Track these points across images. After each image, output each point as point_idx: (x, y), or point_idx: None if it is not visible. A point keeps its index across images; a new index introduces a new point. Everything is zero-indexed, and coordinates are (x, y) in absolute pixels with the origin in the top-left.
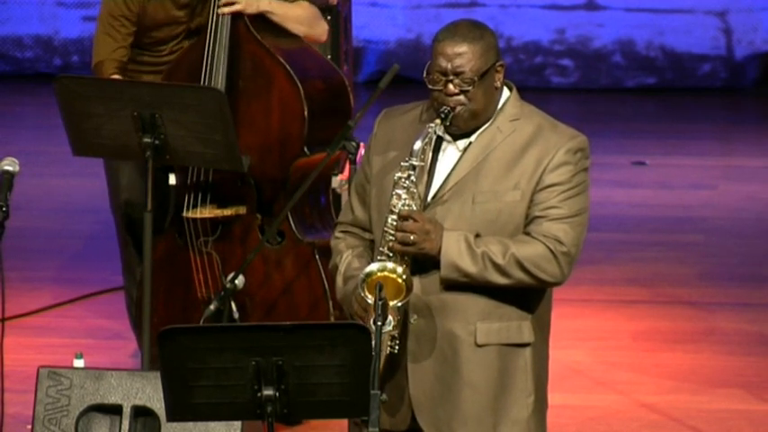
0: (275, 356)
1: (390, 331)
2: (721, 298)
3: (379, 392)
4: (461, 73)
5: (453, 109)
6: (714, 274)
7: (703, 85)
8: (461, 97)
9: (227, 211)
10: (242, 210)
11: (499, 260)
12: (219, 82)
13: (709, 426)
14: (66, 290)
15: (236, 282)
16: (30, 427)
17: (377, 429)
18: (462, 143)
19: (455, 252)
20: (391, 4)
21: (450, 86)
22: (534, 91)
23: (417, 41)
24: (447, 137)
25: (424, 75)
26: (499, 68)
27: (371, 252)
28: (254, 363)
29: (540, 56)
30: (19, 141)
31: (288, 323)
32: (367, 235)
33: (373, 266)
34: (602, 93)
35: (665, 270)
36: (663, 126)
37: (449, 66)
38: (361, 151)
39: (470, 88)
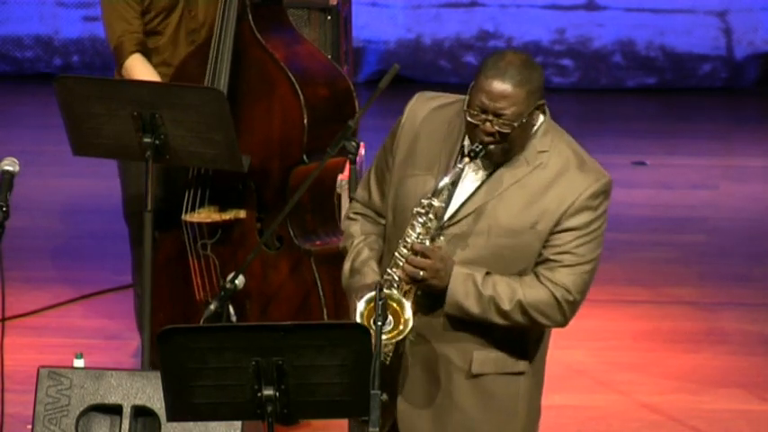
0: (275, 356)
1: (385, 347)
2: (722, 298)
3: (379, 392)
4: (502, 115)
5: (486, 146)
6: (715, 274)
7: (703, 85)
8: (497, 136)
9: (227, 215)
10: (241, 214)
11: (505, 306)
12: (222, 86)
13: (710, 426)
14: (66, 290)
15: (237, 282)
16: (30, 427)
17: (377, 429)
18: (488, 169)
19: (461, 293)
20: (391, 4)
21: (488, 125)
22: None
23: (417, 41)
24: (478, 162)
25: (465, 104)
26: (540, 107)
27: (383, 240)
28: (254, 363)
29: (541, 56)
30: (19, 141)
31: (288, 323)
32: (381, 220)
33: (369, 295)
34: (602, 93)
35: (666, 270)
36: (663, 126)
37: (491, 105)
38: (362, 151)
39: (508, 131)
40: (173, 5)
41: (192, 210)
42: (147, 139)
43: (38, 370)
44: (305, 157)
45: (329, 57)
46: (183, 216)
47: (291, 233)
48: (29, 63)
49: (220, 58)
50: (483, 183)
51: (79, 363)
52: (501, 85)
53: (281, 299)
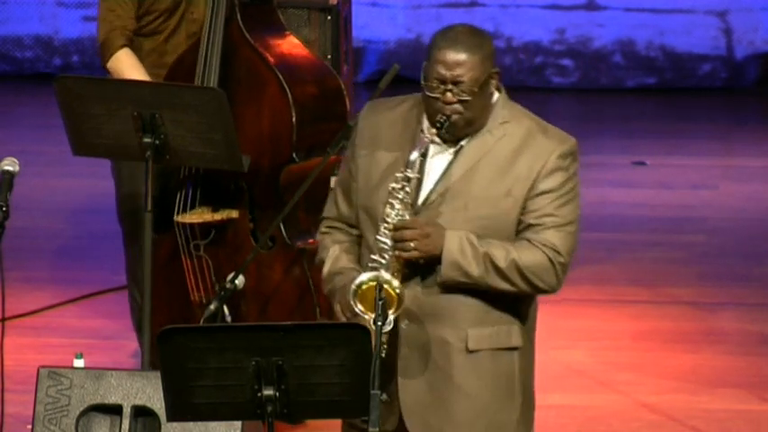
0: (275, 356)
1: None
2: (722, 298)
3: (379, 392)
4: (461, 83)
5: (449, 117)
6: (714, 274)
7: (703, 85)
8: (458, 106)
9: (218, 216)
10: (233, 214)
11: (501, 264)
12: (212, 86)
13: (710, 426)
14: (66, 290)
15: (236, 282)
16: (30, 427)
17: (377, 429)
18: (453, 147)
19: (457, 250)
20: (391, 4)
21: (449, 95)
22: (534, 91)
23: (417, 41)
24: (437, 139)
25: (422, 80)
26: (495, 75)
27: (358, 247)
28: (254, 363)
29: (540, 56)
30: (19, 141)
31: (288, 323)
32: (353, 231)
33: (365, 276)
34: (602, 93)
35: (666, 270)
36: (663, 126)
37: (448, 74)
38: None
39: (469, 98)
40: (174, 7)
41: (185, 211)
42: (147, 139)
43: (38, 370)
44: (295, 155)
45: (329, 57)
46: (175, 217)
47: (284, 232)
48: (29, 63)
49: (210, 59)
50: (451, 161)
51: (79, 363)
52: (455, 54)
53: (276, 298)
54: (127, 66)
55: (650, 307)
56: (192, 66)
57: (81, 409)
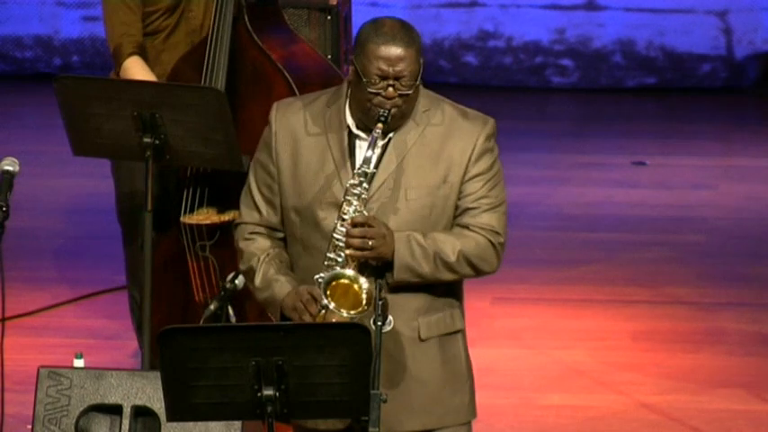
0: (275, 356)
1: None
2: (721, 298)
3: (379, 392)
4: (402, 77)
5: (389, 111)
6: (714, 274)
7: (703, 85)
8: (398, 100)
9: (225, 217)
10: None
11: (451, 259)
12: (219, 86)
13: (710, 426)
14: (66, 290)
15: (236, 282)
16: (30, 427)
17: (377, 429)
18: (381, 140)
19: (408, 255)
20: (391, 4)
21: (391, 90)
22: (534, 91)
23: None
24: (362, 134)
25: (362, 78)
26: (421, 67)
27: (285, 250)
28: (254, 363)
29: (540, 56)
30: (19, 141)
31: (288, 323)
32: (277, 234)
33: (349, 272)
34: (602, 93)
35: (665, 270)
36: (663, 126)
37: (391, 70)
38: None
39: (410, 92)
40: (174, 5)
41: (191, 211)
42: (147, 139)
43: (38, 370)
44: None
45: (329, 57)
46: (181, 218)
47: None
48: (29, 63)
49: (216, 61)
50: (382, 154)
51: (79, 363)
52: (396, 49)
53: None
54: (133, 74)
55: (650, 307)
56: (193, 68)
57: (81, 409)
